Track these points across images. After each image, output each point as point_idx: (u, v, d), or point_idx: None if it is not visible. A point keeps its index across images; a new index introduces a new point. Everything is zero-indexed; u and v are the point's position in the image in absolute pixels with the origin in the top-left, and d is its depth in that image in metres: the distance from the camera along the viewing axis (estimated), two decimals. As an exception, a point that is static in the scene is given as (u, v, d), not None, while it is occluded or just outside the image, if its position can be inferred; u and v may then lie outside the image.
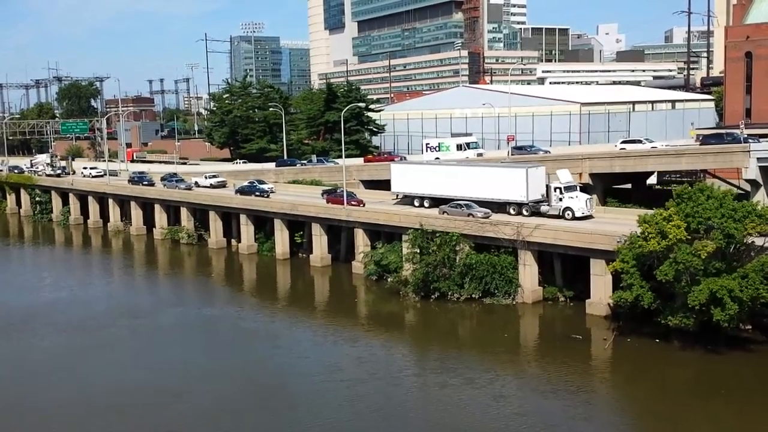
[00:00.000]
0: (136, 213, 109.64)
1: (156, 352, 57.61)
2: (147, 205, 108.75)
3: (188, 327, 64.79)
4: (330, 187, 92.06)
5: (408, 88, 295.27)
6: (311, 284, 79.74)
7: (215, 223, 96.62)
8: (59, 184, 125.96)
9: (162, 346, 59.24)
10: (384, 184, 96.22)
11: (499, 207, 73.03)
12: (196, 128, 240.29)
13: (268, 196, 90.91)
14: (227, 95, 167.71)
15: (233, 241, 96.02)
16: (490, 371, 51.60)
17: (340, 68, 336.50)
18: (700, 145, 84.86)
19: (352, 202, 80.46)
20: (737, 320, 50.52)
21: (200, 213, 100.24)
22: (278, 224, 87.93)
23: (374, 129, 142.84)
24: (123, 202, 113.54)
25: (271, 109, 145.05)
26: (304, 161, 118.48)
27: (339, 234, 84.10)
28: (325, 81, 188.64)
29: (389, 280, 72.46)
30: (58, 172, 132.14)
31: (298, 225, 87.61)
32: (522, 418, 43.50)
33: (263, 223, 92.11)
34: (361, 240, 78.66)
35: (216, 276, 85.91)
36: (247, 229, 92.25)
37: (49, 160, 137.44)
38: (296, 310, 69.92)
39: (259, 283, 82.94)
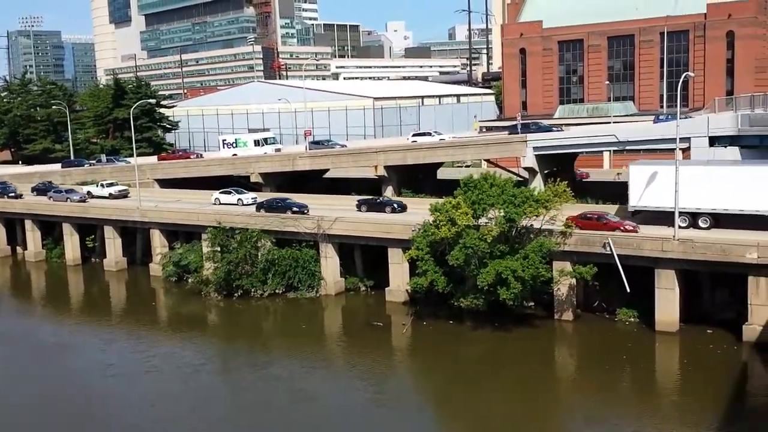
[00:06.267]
0: None
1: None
2: None
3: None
4: (369, 197, 75.26)
5: (202, 84, 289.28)
6: (106, 289, 76.33)
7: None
8: None
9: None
10: (180, 183, 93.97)
11: None
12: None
13: (306, 212, 69.86)
14: (5, 93, 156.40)
15: (18, 249, 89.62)
16: (281, 359, 53.18)
17: (129, 63, 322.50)
18: (509, 133, 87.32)
19: (627, 227, 55.87)
20: (521, 298, 54.72)
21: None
22: (67, 228, 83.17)
23: (168, 126, 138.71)
24: None
25: (54, 107, 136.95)
26: (93, 161, 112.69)
27: (134, 236, 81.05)
28: (112, 77, 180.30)
29: (190, 280, 70.99)
30: None
31: (90, 228, 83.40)
32: (299, 393, 45.71)
33: (51, 227, 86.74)
34: (158, 241, 76.33)
35: (0, 287, 79.92)
36: (33, 235, 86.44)
37: None
38: (89, 317, 66.92)
39: (48, 291, 78.26)
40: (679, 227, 53.92)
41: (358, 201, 72.62)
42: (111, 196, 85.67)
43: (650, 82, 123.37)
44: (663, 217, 56.42)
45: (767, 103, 67.38)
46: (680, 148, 60.41)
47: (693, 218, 56.01)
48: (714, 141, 65.28)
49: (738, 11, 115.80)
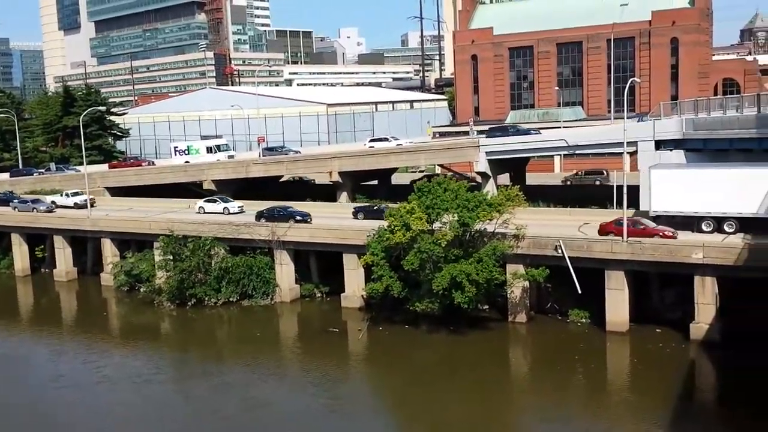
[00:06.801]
0: None
1: None
2: None
3: None
4: (366, 204, 74.06)
5: (153, 91, 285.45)
6: (56, 300, 75.09)
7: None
8: None
9: None
10: (132, 191, 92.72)
11: None
12: None
13: (310, 221, 68.04)
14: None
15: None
16: (235, 367, 52.87)
17: (78, 70, 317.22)
18: (487, 136, 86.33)
19: (666, 233, 53.77)
20: (475, 301, 55.03)
21: None
22: (16, 239, 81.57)
23: (118, 133, 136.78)
24: None
25: (1, 115, 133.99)
26: (42, 170, 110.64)
27: (85, 245, 79.74)
28: (61, 84, 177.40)
29: (142, 290, 70.07)
30: None
31: (39, 238, 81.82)
32: (252, 400, 45.50)
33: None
34: (109, 250, 75.25)
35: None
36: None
37: None
38: (38, 328, 65.93)
39: (-4, 303, 76.68)
40: (704, 232, 54.42)
41: (355, 208, 71.50)
42: (76, 206, 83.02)
43: (598, 87, 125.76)
44: (684, 222, 55.33)
45: (710, 108, 69.02)
46: (627, 152, 61.63)
47: (718, 223, 54.60)
48: (659, 144, 66.68)
49: (681, 18, 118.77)
